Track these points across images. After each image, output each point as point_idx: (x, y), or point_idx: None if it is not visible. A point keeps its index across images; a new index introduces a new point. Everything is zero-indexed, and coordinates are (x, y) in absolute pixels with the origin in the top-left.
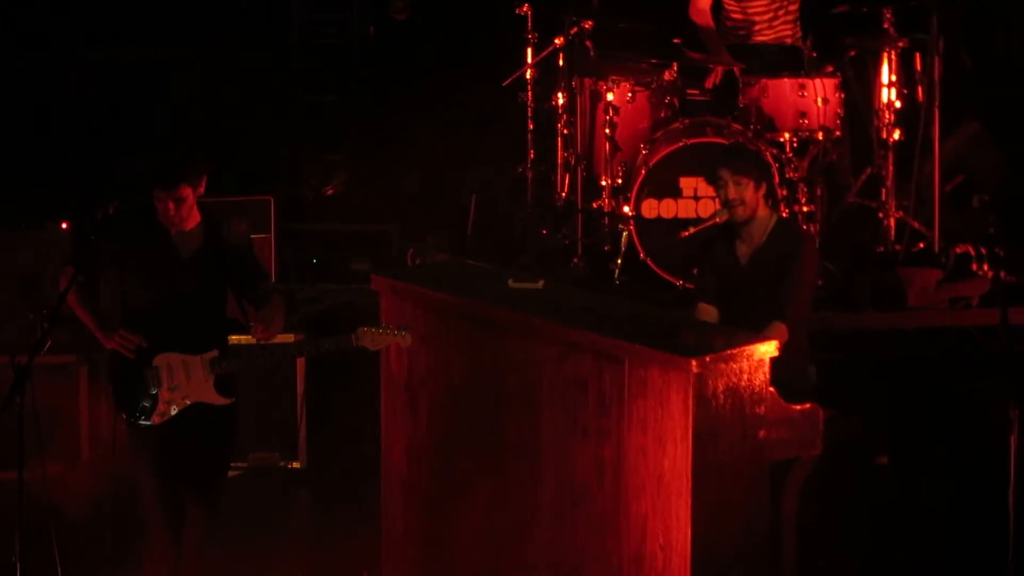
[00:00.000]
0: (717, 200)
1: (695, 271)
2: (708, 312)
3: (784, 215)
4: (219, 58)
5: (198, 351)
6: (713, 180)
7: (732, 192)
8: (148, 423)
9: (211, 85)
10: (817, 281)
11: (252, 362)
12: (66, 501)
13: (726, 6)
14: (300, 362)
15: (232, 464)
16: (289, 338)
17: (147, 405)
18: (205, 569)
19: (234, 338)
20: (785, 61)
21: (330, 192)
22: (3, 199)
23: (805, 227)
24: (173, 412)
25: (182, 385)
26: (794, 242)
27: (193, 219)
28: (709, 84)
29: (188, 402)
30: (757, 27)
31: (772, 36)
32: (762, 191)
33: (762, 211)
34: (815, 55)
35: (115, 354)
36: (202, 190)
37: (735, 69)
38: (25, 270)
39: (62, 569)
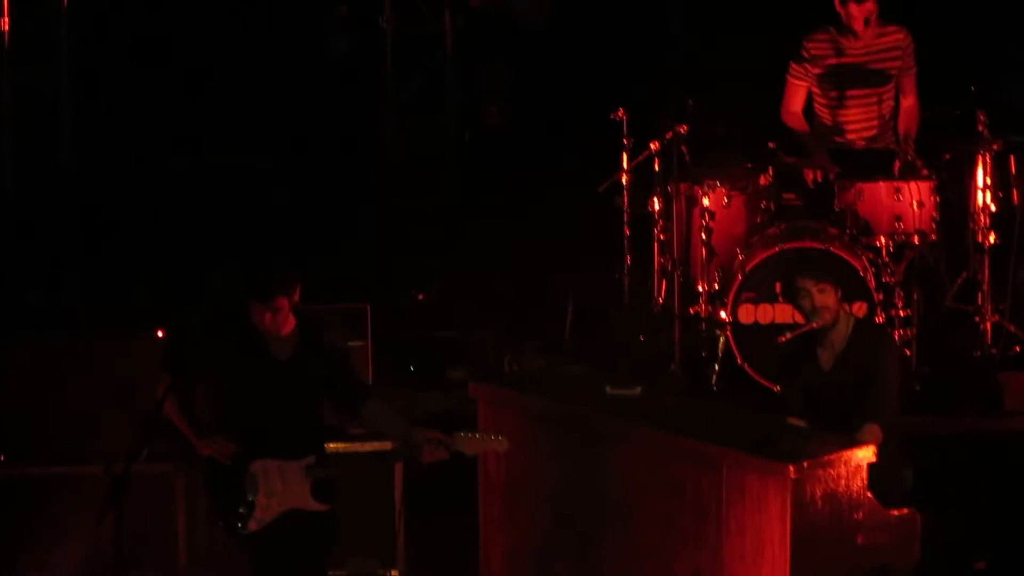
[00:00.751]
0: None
1: (781, 385)
2: (797, 425)
3: (880, 319)
4: (314, 163)
5: (295, 457)
6: (793, 291)
7: (818, 300)
8: (245, 530)
9: (306, 190)
10: (902, 377)
11: (349, 468)
12: None
13: (818, 111)
14: (398, 467)
15: (330, 572)
16: (386, 445)
17: (244, 512)
18: None
19: (331, 445)
20: (881, 165)
21: (421, 298)
22: (101, 308)
23: (897, 329)
24: (270, 519)
25: (279, 491)
26: (875, 342)
27: (288, 324)
28: (810, 181)
29: (284, 508)
30: (849, 134)
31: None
32: (840, 295)
33: (842, 316)
34: (910, 159)
35: (211, 460)
36: (296, 298)
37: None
38: (121, 379)
39: None
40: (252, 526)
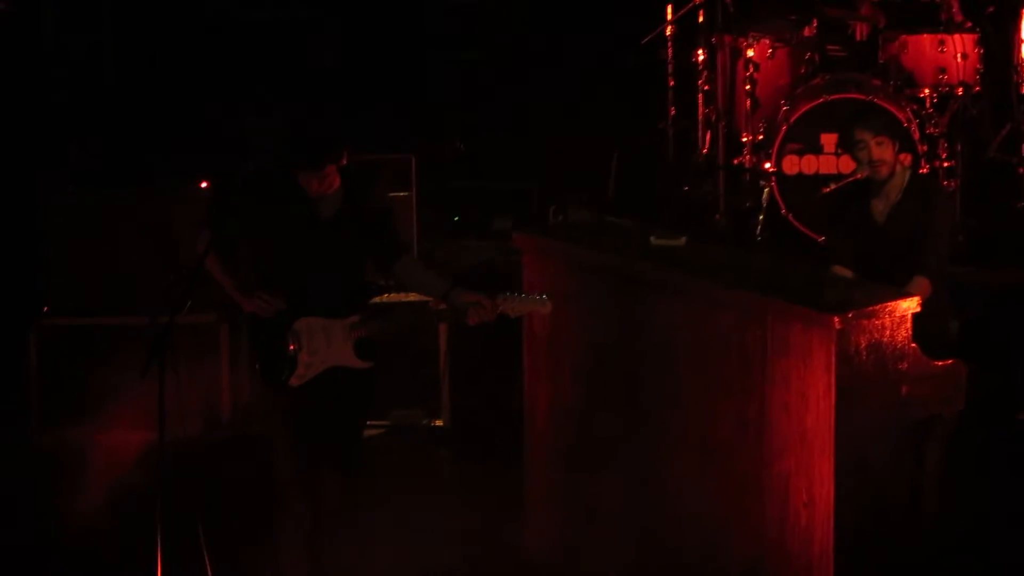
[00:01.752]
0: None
1: (828, 236)
2: (843, 274)
3: (923, 171)
4: (356, 18)
5: (338, 315)
6: (851, 142)
7: (875, 152)
8: (287, 385)
9: (349, 45)
10: (953, 234)
11: (392, 325)
12: (207, 463)
13: None
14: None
15: (374, 422)
16: (427, 300)
17: (287, 368)
18: (343, 530)
19: (376, 299)
20: (925, 17)
21: (460, 147)
22: (144, 158)
23: (941, 180)
24: (312, 375)
25: (322, 349)
26: (929, 196)
27: (334, 184)
28: (857, 34)
29: (327, 366)
30: None
31: None
32: (897, 147)
33: (898, 169)
34: (955, 10)
35: (254, 317)
36: (344, 162)
37: (877, 24)
38: (165, 229)
39: (204, 532)
40: (294, 382)
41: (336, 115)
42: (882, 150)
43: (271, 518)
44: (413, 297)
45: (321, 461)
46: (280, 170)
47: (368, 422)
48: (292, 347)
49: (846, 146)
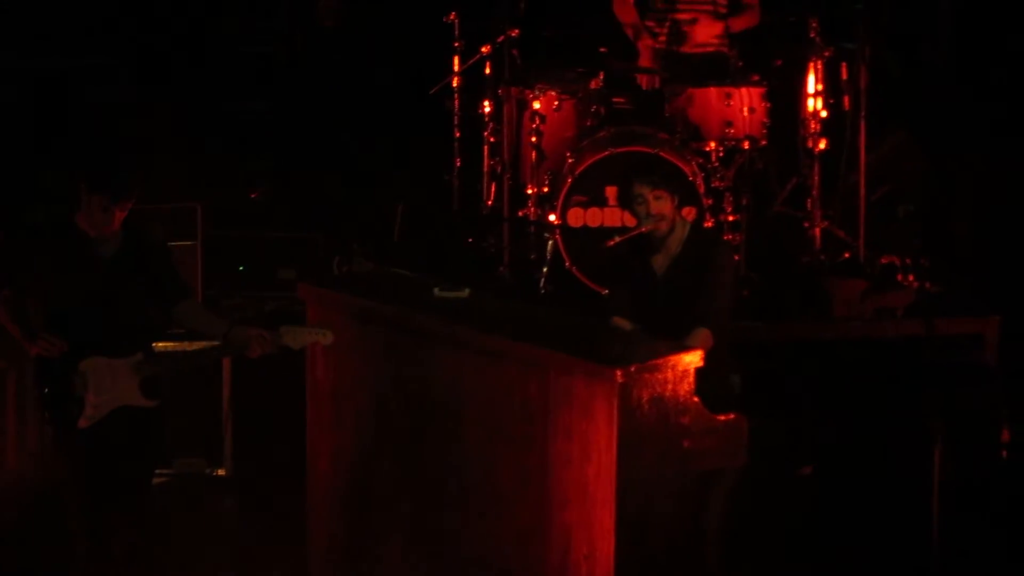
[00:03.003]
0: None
1: (608, 288)
2: (622, 326)
3: (708, 224)
4: (143, 64)
5: (123, 354)
6: (630, 196)
7: (654, 207)
8: (74, 428)
9: (135, 91)
10: (736, 285)
11: (177, 365)
12: None
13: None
14: (226, 369)
15: (158, 471)
16: (212, 343)
17: (74, 409)
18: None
19: (158, 345)
20: (711, 70)
21: (253, 196)
22: None
23: (725, 234)
24: (100, 416)
25: (108, 389)
26: (709, 248)
27: (117, 222)
28: (645, 84)
29: (115, 405)
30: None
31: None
32: (676, 202)
33: (678, 222)
34: (741, 64)
35: (40, 359)
36: (134, 200)
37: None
38: None
39: None
40: (82, 423)
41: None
42: (660, 204)
43: (61, 564)
44: (196, 345)
45: (112, 507)
46: (60, 214)
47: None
48: (77, 389)
49: (624, 200)
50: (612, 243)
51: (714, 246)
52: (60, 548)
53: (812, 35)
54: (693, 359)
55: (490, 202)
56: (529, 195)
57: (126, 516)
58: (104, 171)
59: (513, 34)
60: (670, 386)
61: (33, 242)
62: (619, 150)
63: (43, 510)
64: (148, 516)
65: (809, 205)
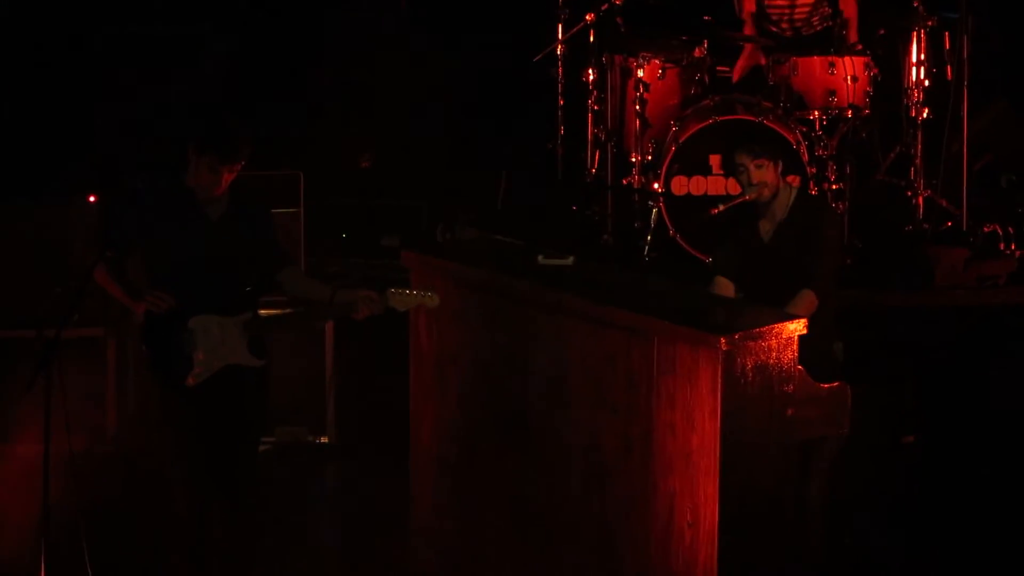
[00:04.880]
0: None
1: (714, 250)
2: (724, 285)
3: (812, 192)
4: (243, 32)
5: (231, 313)
6: (733, 166)
7: (755, 176)
8: (183, 385)
9: (236, 59)
10: (842, 251)
11: (286, 324)
12: (92, 478)
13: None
14: (329, 336)
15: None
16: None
17: (182, 367)
18: (233, 544)
19: (263, 312)
20: (815, 39)
21: (365, 165)
22: (31, 171)
23: (827, 198)
24: (208, 374)
25: (217, 347)
26: (815, 214)
27: (226, 184)
28: (736, 77)
29: (223, 364)
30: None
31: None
32: (780, 168)
33: (783, 188)
34: (845, 33)
35: (148, 319)
36: (244, 163)
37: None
38: (54, 244)
39: (88, 546)
40: (190, 381)
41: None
42: (762, 172)
43: (158, 539)
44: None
45: (214, 479)
46: (168, 174)
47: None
48: (185, 346)
49: (729, 168)
50: (715, 211)
51: (821, 211)
52: (160, 518)
53: (915, 4)
54: (797, 327)
55: (594, 170)
56: (633, 163)
57: (231, 482)
58: (214, 133)
59: (617, 2)
60: (774, 354)
61: (143, 200)
62: (723, 118)
63: (144, 480)
64: (253, 490)
65: (912, 174)
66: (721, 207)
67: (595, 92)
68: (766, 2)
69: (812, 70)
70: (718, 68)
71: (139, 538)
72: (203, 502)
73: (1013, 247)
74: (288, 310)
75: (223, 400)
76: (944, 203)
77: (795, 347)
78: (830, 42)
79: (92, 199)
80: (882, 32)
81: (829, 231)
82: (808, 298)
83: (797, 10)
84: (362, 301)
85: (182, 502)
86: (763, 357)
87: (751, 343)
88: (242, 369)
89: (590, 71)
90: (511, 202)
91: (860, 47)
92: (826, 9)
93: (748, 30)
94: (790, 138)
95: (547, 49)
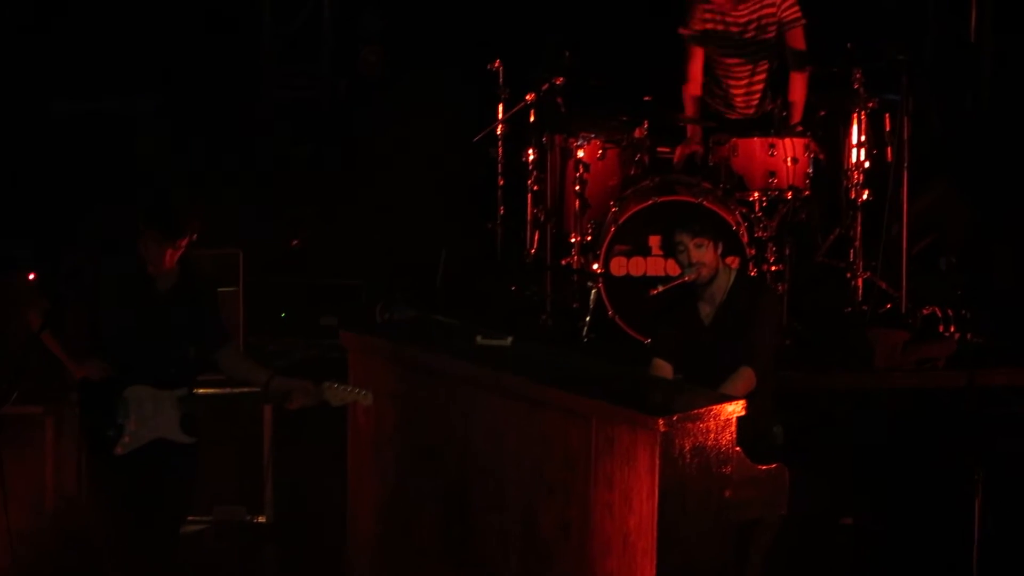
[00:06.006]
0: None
1: (653, 330)
2: (663, 367)
3: (752, 273)
4: (186, 110)
5: (167, 387)
6: (671, 245)
7: (695, 255)
8: (111, 453)
9: (178, 136)
10: (781, 332)
11: (219, 404)
12: (30, 555)
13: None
14: (267, 416)
15: (197, 518)
16: (253, 389)
17: (112, 435)
18: None
19: (199, 390)
20: (755, 121)
21: (295, 244)
22: None
23: (767, 280)
24: (136, 445)
25: (149, 418)
26: (755, 294)
27: (175, 259)
28: (676, 159)
29: (153, 436)
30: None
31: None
32: (720, 250)
33: (722, 270)
34: (785, 115)
35: (83, 384)
36: (195, 238)
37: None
38: None
39: None
40: (119, 450)
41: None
42: (701, 252)
43: None
44: (238, 390)
45: (142, 546)
46: (119, 247)
47: (191, 517)
48: (118, 415)
49: (668, 249)
50: (655, 292)
51: (761, 292)
52: None
53: (856, 86)
54: (735, 408)
55: (533, 250)
56: (572, 243)
57: (157, 556)
58: (157, 209)
59: (558, 82)
60: (712, 435)
61: (91, 268)
62: (663, 199)
63: (80, 553)
64: (178, 559)
65: (852, 256)
66: (660, 288)
67: (535, 172)
68: (718, 88)
69: (752, 151)
70: (659, 149)
71: None
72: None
73: (952, 329)
74: (224, 390)
75: (152, 472)
76: (884, 285)
77: (733, 428)
78: (770, 123)
79: (31, 276)
80: (823, 113)
81: (768, 311)
82: (746, 375)
83: (751, 98)
84: (297, 392)
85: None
86: (701, 438)
87: (689, 424)
88: (172, 444)
89: (530, 151)
90: (450, 282)
91: (800, 128)
92: (776, 101)
93: (690, 111)
94: (730, 219)
95: (487, 129)
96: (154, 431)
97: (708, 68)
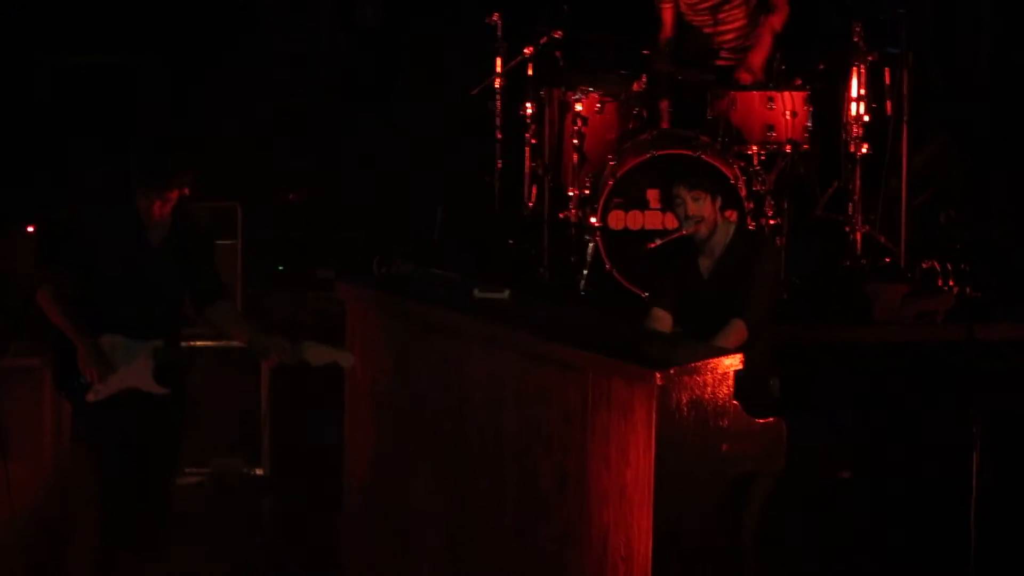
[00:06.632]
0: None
1: (653, 281)
2: (662, 318)
3: (750, 227)
4: (185, 63)
5: (145, 338)
6: (670, 200)
7: (692, 208)
8: (82, 400)
9: (176, 90)
10: (779, 286)
11: (195, 357)
12: (30, 504)
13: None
14: (264, 368)
15: (194, 470)
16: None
17: (83, 382)
18: None
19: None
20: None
21: (292, 198)
22: None
23: (766, 233)
24: (108, 393)
25: (121, 367)
26: (754, 248)
27: (169, 211)
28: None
29: (124, 387)
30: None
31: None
32: (718, 203)
33: (721, 224)
34: (784, 68)
35: (58, 332)
36: (187, 191)
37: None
38: None
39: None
40: (90, 397)
41: (190, 154)
42: (699, 206)
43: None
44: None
45: (133, 500)
46: (113, 199)
47: (189, 470)
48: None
49: (666, 203)
50: (653, 245)
51: (760, 245)
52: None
53: (855, 39)
54: (733, 362)
55: (531, 204)
56: (570, 197)
57: (148, 513)
58: (148, 161)
59: (556, 35)
60: (709, 389)
61: (85, 222)
62: (660, 153)
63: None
64: (170, 513)
65: (850, 209)
66: (658, 241)
67: (533, 126)
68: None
69: (751, 105)
70: (657, 102)
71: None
72: (114, 534)
73: (951, 283)
74: (212, 343)
75: (128, 423)
76: (882, 239)
77: (731, 382)
78: (769, 76)
79: (30, 229)
80: (822, 67)
81: (766, 265)
82: (737, 328)
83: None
84: (275, 348)
85: (88, 533)
86: (698, 392)
87: (686, 378)
88: (149, 396)
89: (528, 105)
90: (447, 235)
91: (799, 82)
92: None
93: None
94: (728, 173)
95: (485, 82)
96: (124, 380)
97: (685, 25)
